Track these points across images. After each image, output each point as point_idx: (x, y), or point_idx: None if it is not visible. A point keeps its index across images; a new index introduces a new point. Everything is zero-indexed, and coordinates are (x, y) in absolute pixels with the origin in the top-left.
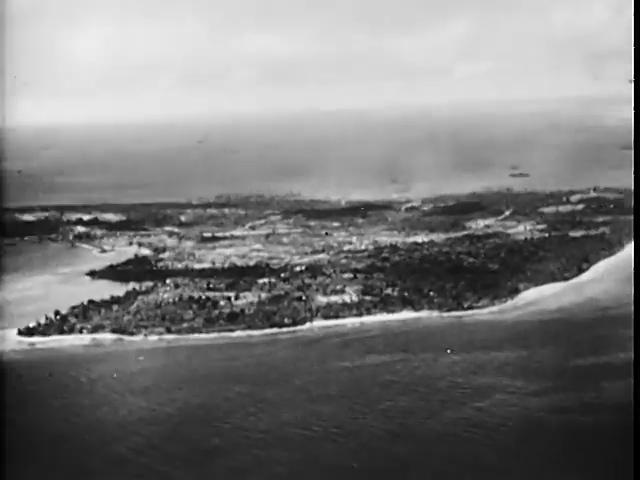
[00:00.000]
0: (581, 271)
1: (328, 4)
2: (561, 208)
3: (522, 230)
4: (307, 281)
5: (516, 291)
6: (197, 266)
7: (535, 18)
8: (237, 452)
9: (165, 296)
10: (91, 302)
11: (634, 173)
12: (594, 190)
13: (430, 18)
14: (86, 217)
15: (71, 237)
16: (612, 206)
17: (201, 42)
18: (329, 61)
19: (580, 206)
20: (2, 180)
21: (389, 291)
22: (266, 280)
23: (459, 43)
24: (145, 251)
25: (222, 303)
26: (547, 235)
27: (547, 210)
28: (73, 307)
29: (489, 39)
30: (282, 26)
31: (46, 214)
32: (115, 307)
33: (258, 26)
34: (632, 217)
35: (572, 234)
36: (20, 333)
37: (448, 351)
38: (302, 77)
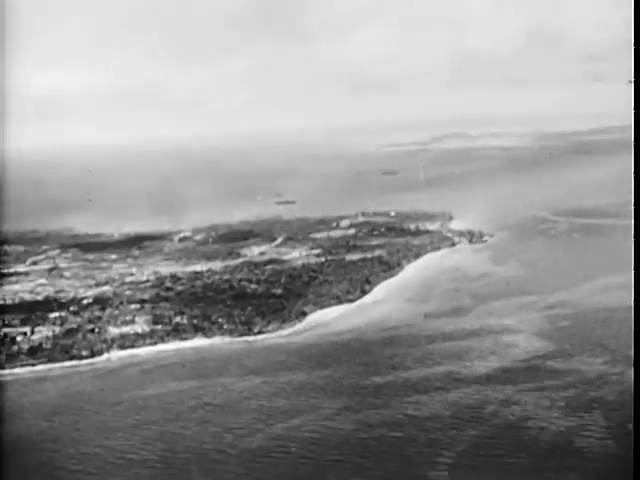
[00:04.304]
0: (364, 293)
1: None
2: (332, 233)
3: (298, 255)
4: (97, 313)
5: (303, 314)
6: None
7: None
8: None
9: None
10: None
11: (634, 173)
12: (362, 215)
13: (221, 52)
14: None
15: None
16: (384, 229)
17: None
18: (99, 95)
19: (351, 230)
20: None
21: (179, 319)
22: (57, 314)
23: (237, 76)
24: None
25: (19, 339)
26: (324, 260)
27: (319, 236)
28: None
29: (264, 74)
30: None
31: None
32: None
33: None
34: (408, 239)
35: (349, 257)
36: None
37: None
38: (69, 111)
